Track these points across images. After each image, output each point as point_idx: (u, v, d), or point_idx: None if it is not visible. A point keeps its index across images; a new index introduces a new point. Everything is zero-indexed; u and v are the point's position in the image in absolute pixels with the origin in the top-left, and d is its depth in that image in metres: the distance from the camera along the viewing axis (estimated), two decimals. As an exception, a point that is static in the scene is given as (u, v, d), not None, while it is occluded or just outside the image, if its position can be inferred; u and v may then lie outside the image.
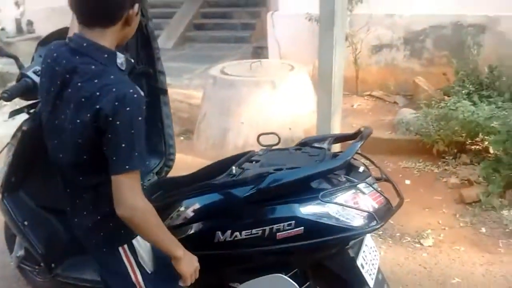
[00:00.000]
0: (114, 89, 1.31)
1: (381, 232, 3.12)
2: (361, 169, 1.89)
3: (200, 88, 5.77)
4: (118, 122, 1.30)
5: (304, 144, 2.12)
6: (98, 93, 1.31)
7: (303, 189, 1.73)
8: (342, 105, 4.13)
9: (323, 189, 1.72)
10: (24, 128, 2.11)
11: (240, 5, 8.54)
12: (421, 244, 3.01)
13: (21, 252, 2.48)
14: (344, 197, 1.73)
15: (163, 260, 1.59)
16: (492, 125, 3.69)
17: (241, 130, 4.18)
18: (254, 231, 1.72)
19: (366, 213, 1.73)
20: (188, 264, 1.55)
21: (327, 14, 3.26)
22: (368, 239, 1.98)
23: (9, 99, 1.94)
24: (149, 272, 1.61)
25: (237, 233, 1.74)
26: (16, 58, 2.13)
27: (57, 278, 2.29)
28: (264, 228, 1.71)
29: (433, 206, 3.45)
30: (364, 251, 1.89)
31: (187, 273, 1.55)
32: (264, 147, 2.16)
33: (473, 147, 4.12)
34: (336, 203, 1.69)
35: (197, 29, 8.52)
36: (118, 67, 1.40)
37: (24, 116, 2.18)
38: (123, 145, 1.31)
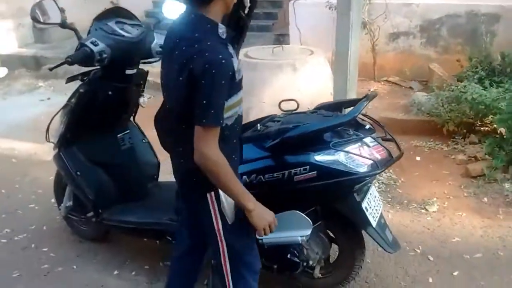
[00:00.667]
0: (207, 54, 1.53)
1: (389, 199, 3.42)
2: (367, 126, 2.20)
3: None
4: (203, 81, 1.52)
5: (320, 108, 2.43)
6: (195, 56, 1.54)
7: (317, 141, 2.05)
8: (360, 89, 4.41)
9: (334, 140, 2.04)
10: (81, 90, 2.48)
11: (264, -5, 8.80)
12: (426, 210, 3.30)
13: (69, 203, 2.87)
14: (351, 147, 2.05)
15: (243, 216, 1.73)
16: (499, 105, 3.93)
17: (263, 109, 4.49)
18: (275, 174, 2.06)
19: (370, 162, 2.04)
20: (260, 218, 1.70)
21: (344, 0, 3.55)
22: (373, 189, 2.29)
23: (72, 63, 2.29)
24: (230, 223, 1.77)
25: (260, 176, 2.08)
26: (76, 30, 2.49)
27: (104, 221, 2.66)
28: (284, 172, 2.05)
29: (440, 179, 3.72)
30: (368, 198, 2.21)
31: (259, 226, 1.70)
32: (285, 112, 2.48)
33: (482, 128, 4.36)
34: (344, 151, 2.01)
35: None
36: (219, 36, 1.61)
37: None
38: (204, 101, 1.53)
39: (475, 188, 3.53)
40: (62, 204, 2.91)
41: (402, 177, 3.75)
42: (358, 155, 2.03)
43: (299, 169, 2.03)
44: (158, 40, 2.64)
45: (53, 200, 3.22)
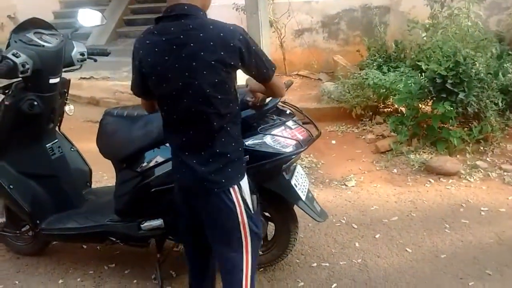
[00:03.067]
0: (231, 27, 1.69)
1: (313, 180, 3.72)
2: (288, 111, 2.44)
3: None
4: (254, 48, 1.72)
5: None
6: (221, 34, 1.65)
7: (246, 127, 2.24)
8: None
9: (261, 125, 2.24)
10: (6, 103, 2.45)
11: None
12: (346, 185, 3.64)
13: (2, 219, 2.80)
14: (277, 130, 2.26)
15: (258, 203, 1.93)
16: (397, 87, 4.41)
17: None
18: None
19: (294, 142, 2.27)
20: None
21: (252, 1, 3.82)
22: (299, 168, 2.54)
23: None
24: (252, 211, 1.87)
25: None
26: (-6, 43, 2.46)
27: (43, 232, 2.65)
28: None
29: (355, 157, 4.11)
30: (296, 176, 2.44)
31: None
32: None
33: (385, 109, 4.83)
34: (271, 134, 2.22)
35: (128, 25, 8.76)
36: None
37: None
38: (264, 58, 1.77)
39: (385, 162, 3.94)
40: None
41: (321, 159, 4.07)
42: (283, 137, 2.25)
43: (232, 154, 2.21)
44: (78, 48, 2.69)
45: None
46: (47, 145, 2.68)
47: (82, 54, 2.70)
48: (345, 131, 4.67)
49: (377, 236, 2.97)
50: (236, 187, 1.81)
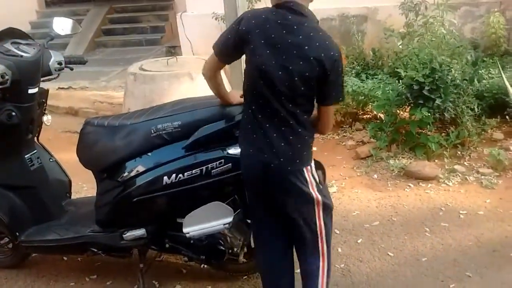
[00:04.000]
0: (334, 42, 1.83)
1: (295, 187, 3.73)
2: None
3: (118, 88, 6.09)
4: (340, 70, 1.85)
5: None
6: (327, 42, 1.80)
7: (227, 136, 2.25)
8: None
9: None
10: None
11: (147, 9, 8.88)
12: (327, 192, 3.66)
13: (-20, 232, 2.75)
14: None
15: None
16: (375, 94, 4.48)
17: (165, 119, 4.60)
18: (193, 171, 2.22)
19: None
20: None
21: (231, 11, 3.84)
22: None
23: None
24: (320, 185, 2.00)
25: (180, 175, 2.23)
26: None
27: (23, 244, 2.60)
28: (202, 168, 2.22)
29: (336, 163, 4.14)
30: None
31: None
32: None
33: (364, 116, 4.90)
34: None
35: (106, 35, 8.72)
36: None
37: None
38: (341, 83, 1.89)
39: (365, 168, 3.99)
40: None
41: (302, 166, 4.09)
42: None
43: (215, 163, 2.22)
44: (55, 57, 2.67)
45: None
46: (25, 156, 2.64)
47: (59, 63, 2.68)
48: (326, 138, 4.71)
49: (359, 241, 3.00)
50: (309, 167, 1.95)
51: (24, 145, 2.64)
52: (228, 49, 1.95)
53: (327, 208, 2.03)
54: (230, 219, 2.27)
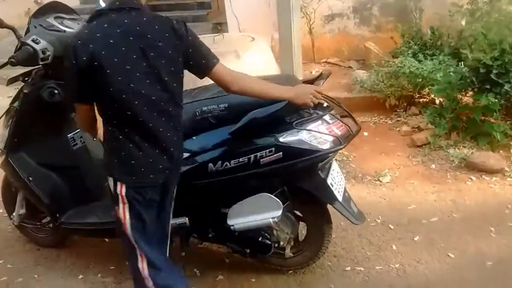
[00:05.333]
0: (174, 20, 1.79)
1: (345, 175, 3.48)
2: (325, 104, 2.23)
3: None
4: (194, 38, 1.80)
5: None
6: (171, 25, 1.75)
7: (280, 122, 2.06)
8: (302, 72, 4.46)
9: (296, 119, 2.05)
10: (25, 91, 2.33)
11: (193, -15, 8.69)
12: (380, 181, 3.42)
13: (22, 210, 2.72)
14: (313, 125, 2.07)
15: None
16: (435, 77, 4.14)
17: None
18: (241, 159, 2.05)
19: (332, 138, 2.08)
20: (303, 96, 1.95)
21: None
22: (335, 165, 2.34)
23: (16, 64, 2.15)
24: None
25: (226, 163, 2.06)
26: (14, 29, 2.33)
27: (63, 226, 2.54)
28: (250, 156, 2.04)
29: (389, 151, 3.88)
30: (332, 174, 2.25)
31: (308, 102, 1.95)
32: None
33: (421, 100, 4.57)
34: (307, 130, 2.03)
35: (152, 11, 8.58)
36: None
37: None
38: (203, 48, 1.84)
39: (422, 157, 3.70)
40: (14, 213, 2.74)
41: (353, 152, 3.86)
42: (320, 132, 2.06)
43: (264, 151, 2.03)
44: None
45: (1, 210, 3.03)
46: (68, 135, 2.55)
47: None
48: (378, 122, 4.44)
49: (416, 238, 2.76)
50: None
51: (66, 124, 2.56)
52: (83, 88, 1.76)
53: None
54: (279, 213, 2.10)
